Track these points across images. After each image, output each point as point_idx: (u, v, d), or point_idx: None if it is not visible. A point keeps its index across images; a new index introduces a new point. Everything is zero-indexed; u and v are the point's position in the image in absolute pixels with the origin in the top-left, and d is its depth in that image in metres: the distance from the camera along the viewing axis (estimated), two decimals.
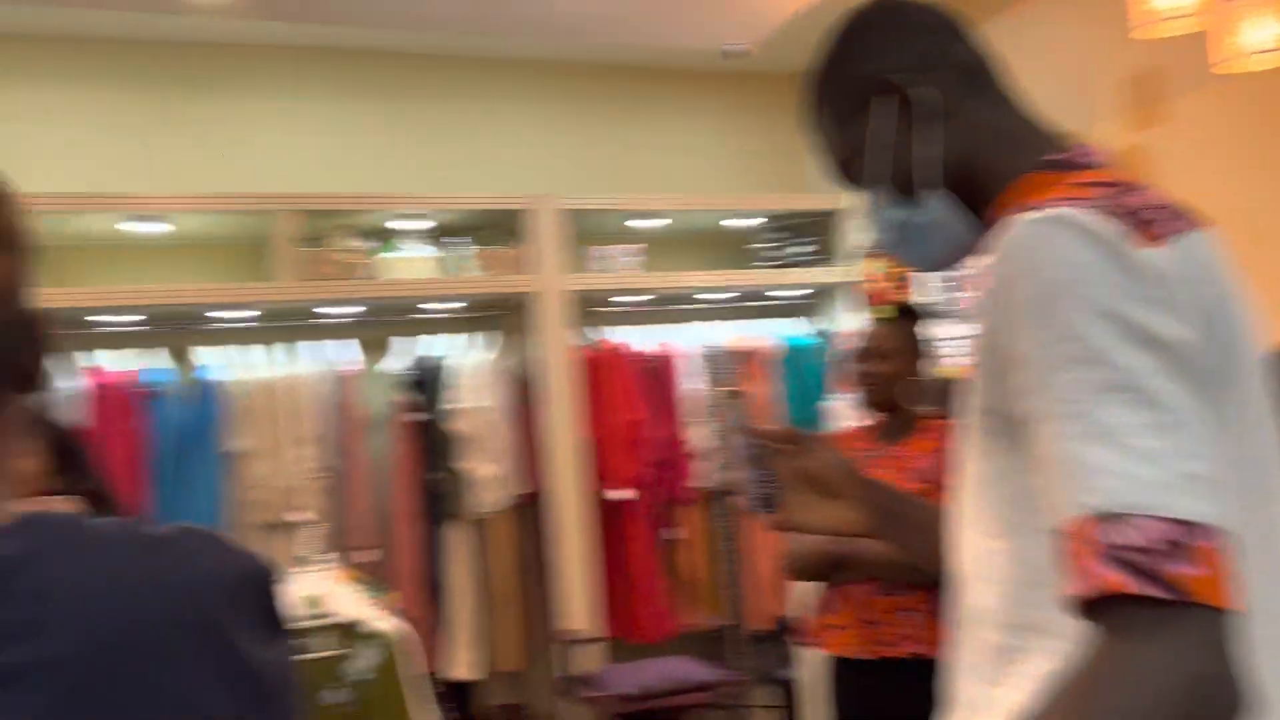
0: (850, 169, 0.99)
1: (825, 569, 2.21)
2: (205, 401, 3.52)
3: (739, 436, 1.02)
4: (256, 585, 0.73)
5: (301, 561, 2.43)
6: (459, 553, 3.74)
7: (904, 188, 0.94)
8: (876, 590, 2.16)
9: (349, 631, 2.29)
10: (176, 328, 3.67)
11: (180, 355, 3.63)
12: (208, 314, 3.64)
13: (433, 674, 3.70)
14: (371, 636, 2.29)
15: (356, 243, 3.73)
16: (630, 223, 4.23)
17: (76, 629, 0.63)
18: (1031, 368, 0.75)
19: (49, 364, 0.76)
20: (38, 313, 0.74)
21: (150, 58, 3.82)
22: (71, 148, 3.67)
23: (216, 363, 3.62)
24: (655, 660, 3.68)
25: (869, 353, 2.31)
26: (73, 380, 3.36)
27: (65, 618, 0.63)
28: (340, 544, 3.61)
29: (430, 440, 3.76)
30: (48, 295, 3.19)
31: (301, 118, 4.01)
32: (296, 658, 2.21)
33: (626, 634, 3.93)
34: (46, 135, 3.65)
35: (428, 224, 3.90)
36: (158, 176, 3.71)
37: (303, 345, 3.75)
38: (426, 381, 3.79)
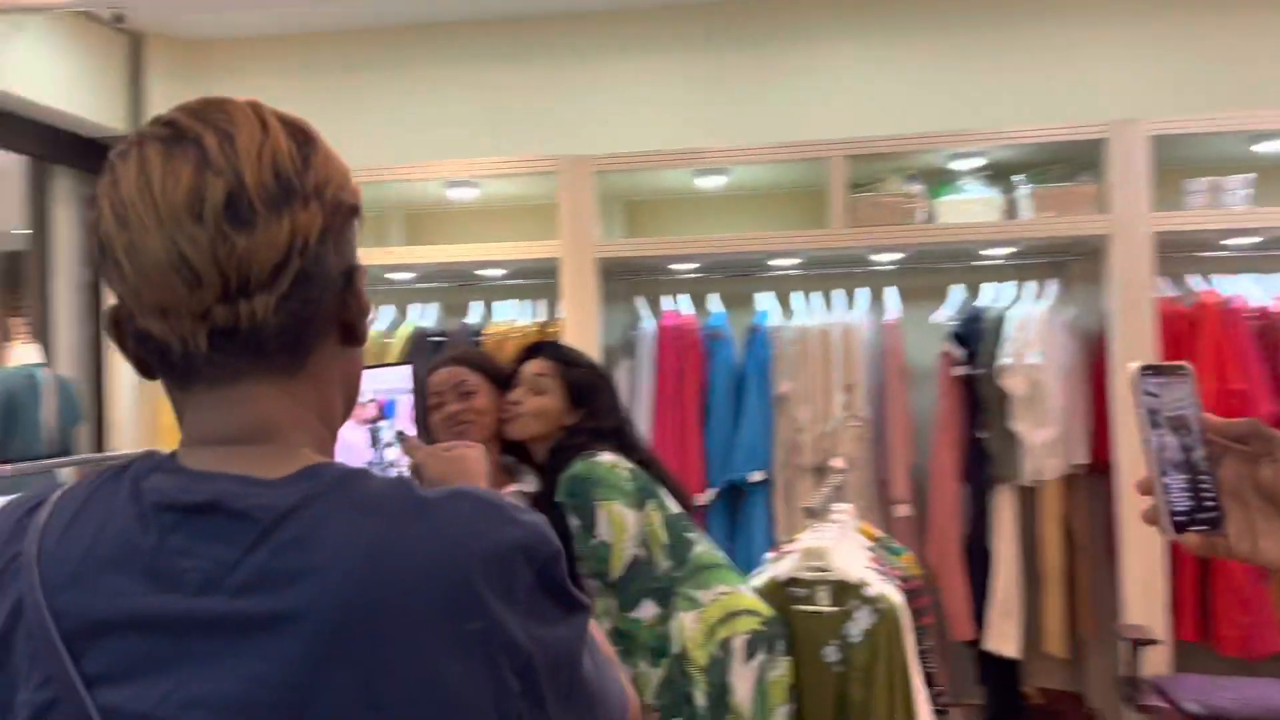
0: None
1: None
2: (759, 345, 3.68)
3: (1165, 430, 0.69)
4: (532, 558, 0.69)
5: (817, 512, 2.41)
6: (1003, 520, 3.46)
7: None
8: None
9: (848, 590, 2.23)
10: (736, 274, 3.88)
11: (739, 301, 3.83)
12: (769, 261, 3.78)
13: (971, 643, 3.51)
14: (868, 600, 2.21)
15: (910, 186, 3.58)
16: (1252, 148, 3.45)
17: (328, 584, 0.64)
18: None
19: (368, 318, 0.80)
20: (357, 267, 0.77)
21: (711, 18, 4.03)
22: (649, 109, 4.04)
23: (771, 308, 3.76)
24: (1242, 679, 3.04)
25: None
26: (646, 323, 3.74)
27: (320, 571, 0.64)
28: (875, 497, 3.56)
29: (979, 397, 3.50)
30: (630, 245, 3.57)
31: (858, 60, 3.94)
32: (803, 609, 2.15)
33: (1205, 641, 3.31)
34: (628, 100, 4.07)
35: (987, 161, 3.60)
36: (721, 131, 3.93)
37: (853, 292, 3.73)
38: (978, 333, 3.53)
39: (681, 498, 2.19)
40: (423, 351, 3.68)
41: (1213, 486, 0.74)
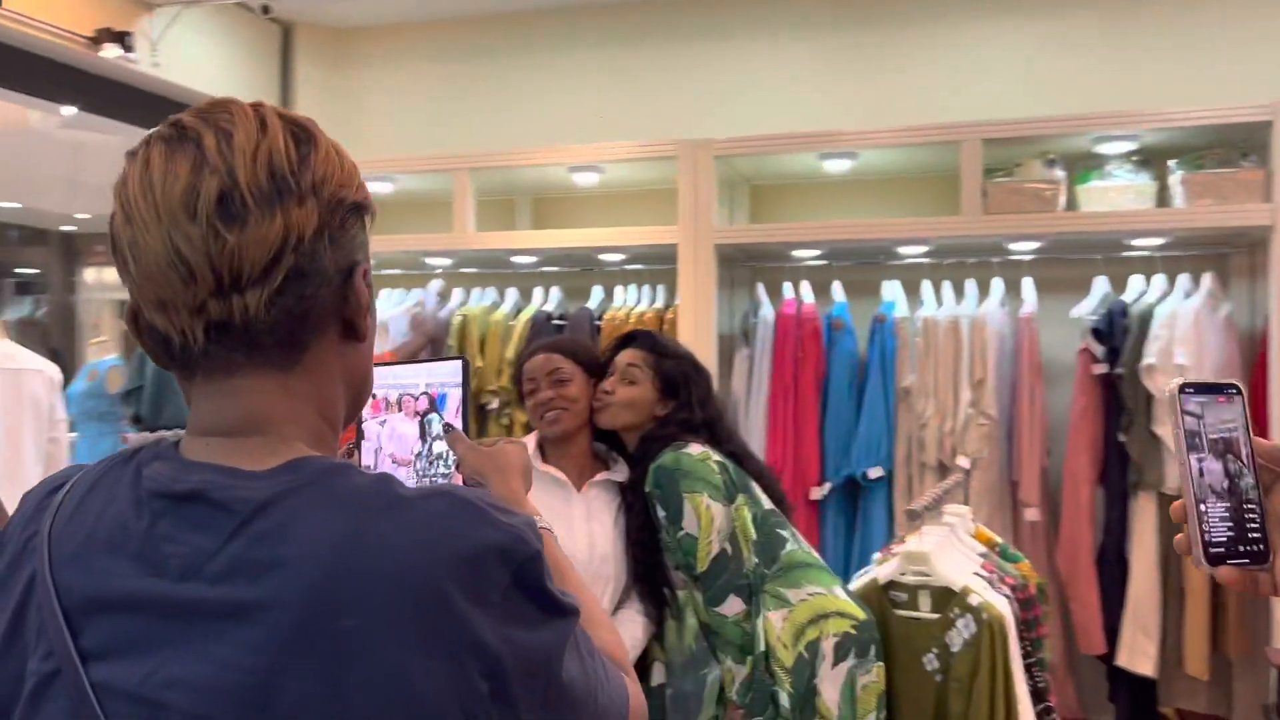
0: None
1: None
2: (884, 336, 3.55)
3: (1207, 454, 0.59)
4: (507, 560, 0.69)
5: (918, 514, 2.30)
6: (1143, 530, 3.23)
7: None
8: None
9: (950, 597, 2.13)
10: (862, 262, 3.76)
11: (864, 290, 3.71)
12: (897, 249, 3.64)
13: (1103, 658, 3.32)
14: (971, 608, 2.10)
15: (1051, 171, 3.37)
16: None
17: (297, 576, 0.65)
18: None
19: (370, 315, 0.80)
20: (359, 264, 0.77)
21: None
22: (774, 91, 3.95)
23: (899, 298, 3.62)
24: None
25: None
26: (765, 310, 3.66)
27: (291, 564, 0.66)
28: (1003, 499, 3.39)
29: (1119, 397, 3.28)
30: (750, 231, 3.51)
31: (995, 37, 3.74)
32: (903, 614, 2.08)
33: None
34: (752, 81, 3.99)
35: (1137, 145, 3.35)
36: (849, 112, 3.81)
37: (987, 282, 3.55)
38: (1121, 329, 3.30)
39: (776, 494, 2.14)
40: (544, 334, 3.73)
41: (1259, 517, 0.66)
